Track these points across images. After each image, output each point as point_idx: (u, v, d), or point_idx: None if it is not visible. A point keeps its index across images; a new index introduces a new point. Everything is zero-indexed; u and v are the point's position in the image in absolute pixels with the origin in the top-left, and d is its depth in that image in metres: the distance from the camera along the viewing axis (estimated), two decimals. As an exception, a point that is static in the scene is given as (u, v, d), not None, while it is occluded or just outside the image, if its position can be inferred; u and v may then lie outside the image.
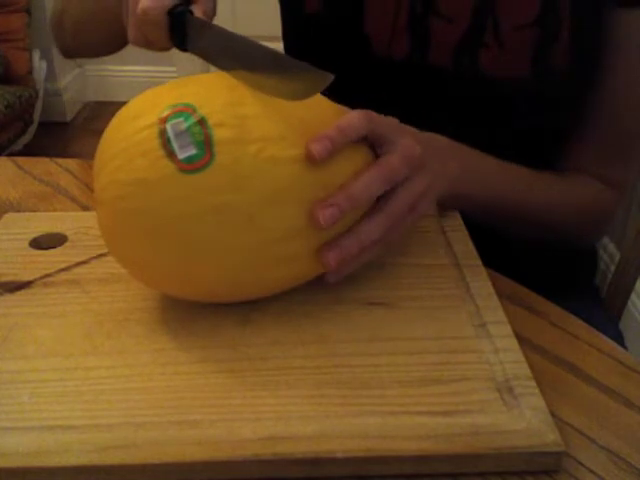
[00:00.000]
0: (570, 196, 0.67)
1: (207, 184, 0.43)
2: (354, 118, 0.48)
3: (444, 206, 0.61)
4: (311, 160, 0.45)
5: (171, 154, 0.43)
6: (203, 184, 0.43)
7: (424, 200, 0.52)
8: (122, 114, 0.47)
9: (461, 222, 0.60)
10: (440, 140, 0.57)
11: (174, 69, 2.71)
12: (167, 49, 0.55)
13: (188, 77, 0.49)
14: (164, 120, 0.44)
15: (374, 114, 0.49)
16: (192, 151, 0.43)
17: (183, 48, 0.53)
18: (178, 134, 0.43)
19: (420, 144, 0.50)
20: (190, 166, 0.43)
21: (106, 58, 2.87)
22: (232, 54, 0.48)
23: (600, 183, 0.68)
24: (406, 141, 0.50)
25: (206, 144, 0.43)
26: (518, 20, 0.62)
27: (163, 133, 0.43)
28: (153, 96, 0.47)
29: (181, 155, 0.43)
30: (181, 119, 0.44)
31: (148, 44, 0.55)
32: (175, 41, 0.53)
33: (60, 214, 0.63)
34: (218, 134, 0.43)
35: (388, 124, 0.51)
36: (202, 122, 0.43)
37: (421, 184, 0.50)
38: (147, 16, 0.51)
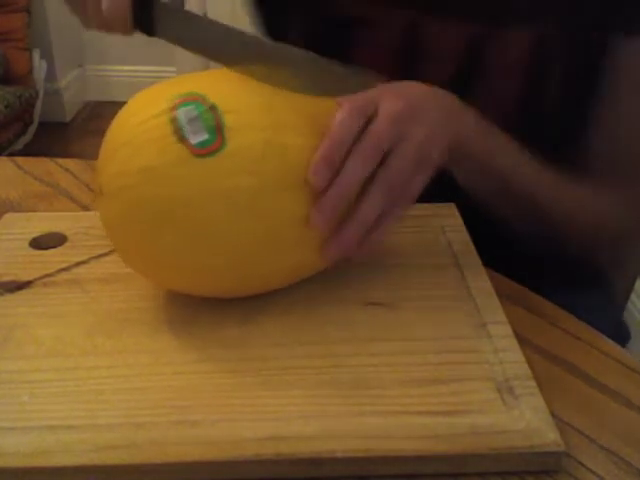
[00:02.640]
0: (579, 196, 0.63)
1: (220, 168, 0.44)
2: (340, 122, 0.45)
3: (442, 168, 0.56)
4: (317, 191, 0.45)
5: (183, 140, 0.44)
6: (216, 168, 0.44)
7: (430, 149, 0.48)
8: (124, 111, 0.48)
9: (461, 222, 0.60)
10: (449, 95, 0.53)
11: (174, 69, 2.71)
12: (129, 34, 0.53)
13: (184, 75, 0.49)
14: (174, 108, 0.44)
15: (353, 99, 0.47)
16: (204, 136, 0.44)
17: (150, 34, 0.51)
18: (190, 120, 0.44)
19: (413, 96, 0.49)
20: (203, 150, 0.44)
21: (106, 58, 2.84)
22: (215, 42, 0.48)
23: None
24: (387, 102, 0.47)
25: (217, 129, 0.44)
26: (506, 70, 0.61)
27: (174, 120, 0.44)
28: (154, 92, 0.48)
29: (194, 140, 0.44)
30: (192, 106, 0.44)
31: (109, 30, 0.53)
32: (141, 27, 0.51)
33: (60, 214, 0.63)
34: (229, 120, 0.44)
35: (368, 97, 0.47)
36: (213, 109, 0.45)
37: (419, 135, 0.47)
38: (111, 14, 0.50)
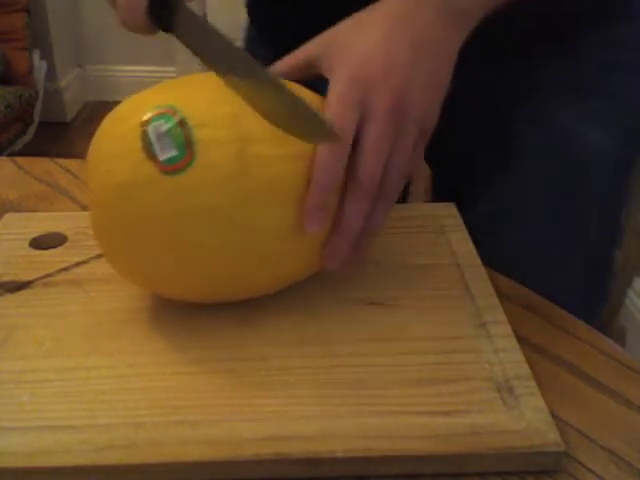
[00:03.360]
0: None
1: (188, 185, 0.43)
2: (322, 164, 0.44)
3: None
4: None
5: (152, 156, 0.43)
6: (184, 185, 0.43)
7: (427, 129, 0.48)
8: (110, 116, 0.47)
9: (461, 222, 0.60)
10: (432, 21, 0.49)
11: (174, 69, 2.71)
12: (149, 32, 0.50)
13: (181, 78, 0.49)
14: (146, 123, 0.43)
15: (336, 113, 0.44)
16: (173, 152, 0.43)
17: (165, 29, 0.48)
18: (159, 136, 0.43)
19: (400, 80, 0.46)
20: (171, 167, 0.43)
21: (106, 58, 2.84)
22: (222, 57, 0.46)
23: None
24: (375, 107, 0.45)
25: (187, 145, 0.43)
26: None
27: (145, 136, 0.43)
28: (142, 98, 0.47)
29: (162, 157, 0.43)
30: (162, 121, 0.43)
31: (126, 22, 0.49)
32: (156, 19, 0.48)
33: (60, 214, 0.63)
34: (199, 135, 0.43)
35: (352, 107, 0.45)
36: (182, 123, 0.43)
37: (414, 124, 0.46)
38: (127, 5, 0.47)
